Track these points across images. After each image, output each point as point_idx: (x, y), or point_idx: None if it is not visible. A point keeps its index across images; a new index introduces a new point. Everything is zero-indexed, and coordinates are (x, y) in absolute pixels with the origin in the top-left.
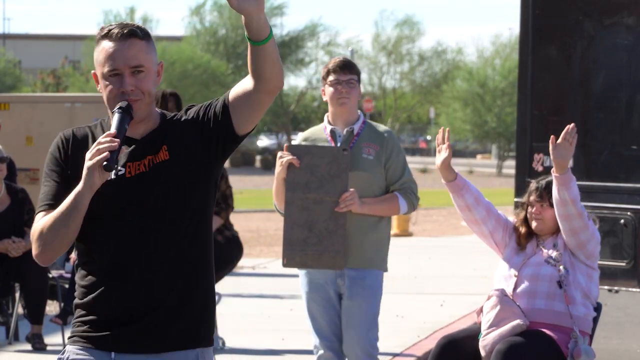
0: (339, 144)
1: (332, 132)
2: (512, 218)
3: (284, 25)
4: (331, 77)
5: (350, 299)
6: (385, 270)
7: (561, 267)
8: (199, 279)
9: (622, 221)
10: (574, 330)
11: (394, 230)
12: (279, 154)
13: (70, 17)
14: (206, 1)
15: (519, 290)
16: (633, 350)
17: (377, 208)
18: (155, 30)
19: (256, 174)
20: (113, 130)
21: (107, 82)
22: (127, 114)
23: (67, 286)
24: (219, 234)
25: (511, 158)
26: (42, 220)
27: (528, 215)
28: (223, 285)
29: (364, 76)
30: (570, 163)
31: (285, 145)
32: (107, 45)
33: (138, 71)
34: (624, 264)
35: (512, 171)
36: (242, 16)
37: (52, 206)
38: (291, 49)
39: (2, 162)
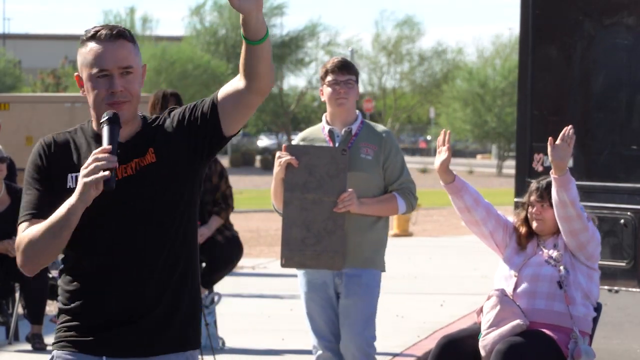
0: (337, 144)
1: (330, 132)
2: (512, 218)
3: (284, 25)
4: (329, 78)
5: (346, 297)
6: (383, 270)
7: (561, 268)
8: (187, 281)
9: (622, 221)
10: (574, 330)
11: (394, 230)
12: (278, 154)
13: (70, 17)
14: (206, 1)
15: (519, 290)
16: (633, 350)
17: (376, 208)
18: (155, 30)
19: (256, 174)
20: (107, 144)
21: (95, 84)
22: (116, 125)
23: None
24: (219, 234)
25: (511, 158)
26: (28, 231)
27: (528, 216)
28: (223, 285)
29: (364, 76)
30: (570, 163)
31: (283, 145)
32: (95, 46)
33: (127, 72)
34: (624, 264)
35: (512, 171)
36: (241, 15)
37: (35, 215)
38: (291, 49)
39: (2, 162)
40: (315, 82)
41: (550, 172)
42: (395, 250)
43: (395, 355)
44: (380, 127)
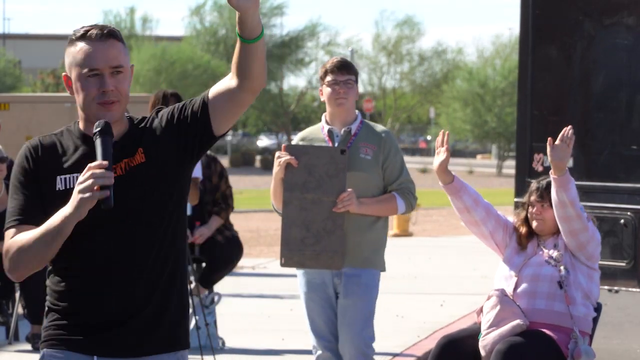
0: (336, 144)
1: (330, 132)
2: (512, 218)
3: (284, 25)
4: (329, 78)
5: (345, 297)
6: (383, 270)
7: (562, 268)
8: (176, 281)
9: (622, 221)
10: (574, 330)
11: (394, 230)
12: (277, 154)
13: (70, 17)
14: (206, 1)
15: (519, 290)
16: (633, 350)
17: (375, 208)
18: (155, 30)
19: (256, 174)
20: (102, 158)
21: (85, 83)
22: (109, 136)
23: None
24: (219, 234)
25: (511, 158)
26: (18, 238)
27: (529, 215)
28: (223, 285)
29: (364, 76)
30: (570, 163)
31: (283, 145)
32: (85, 46)
33: (117, 72)
34: (624, 264)
35: (512, 171)
36: (237, 13)
37: (22, 221)
38: (291, 49)
39: (2, 162)
40: (315, 82)
41: (550, 172)
42: (395, 250)
43: (395, 355)
44: (379, 127)
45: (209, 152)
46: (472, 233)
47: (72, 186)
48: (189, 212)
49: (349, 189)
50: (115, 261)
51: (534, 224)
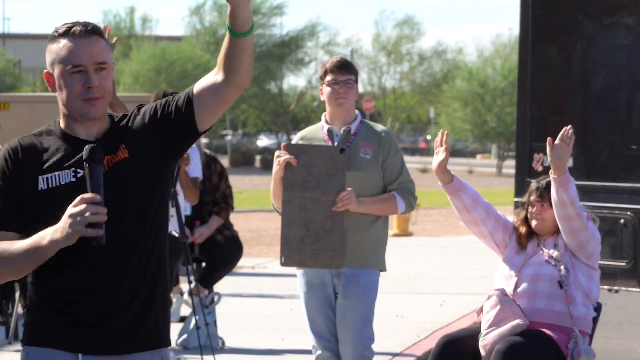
0: (336, 144)
1: (330, 131)
2: (512, 218)
3: (284, 25)
4: (329, 78)
5: (344, 298)
6: (383, 269)
7: (562, 268)
8: (160, 278)
9: (622, 221)
10: (574, 330)
11: (394, 230)
12: (277, 153)
13: (70, 17)
14: (206, 1)
15: (519, 290)
16: (633, 350)
17: (375, 208)
18: (155, 30)
19: (256, 174)
20: (92, 190)
21: (70, 80)
22: (99, 165)
23: None
24: (219, 234)
25: (511, 158)
26: None
27: (529, 215)
28: (223, 285)
29: (364, 76)
30: (570, 163)
31: (282, 144)
32: (69, 42)
33: (102, 68)
34: (624, 264)
35: (512, 171)
36: (229, 7)
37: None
38: (291, 49)
39: None
40: (315, 82)
41: (550, 172)
42: (395, 250)
43: (395, 355)
44: (379, 127)
45: (209, 152)
46: (472, 233)
47: (54, 185)
48: (189, 212)
49: (349, 189)
50: (100, 258)
51: (534, 223)
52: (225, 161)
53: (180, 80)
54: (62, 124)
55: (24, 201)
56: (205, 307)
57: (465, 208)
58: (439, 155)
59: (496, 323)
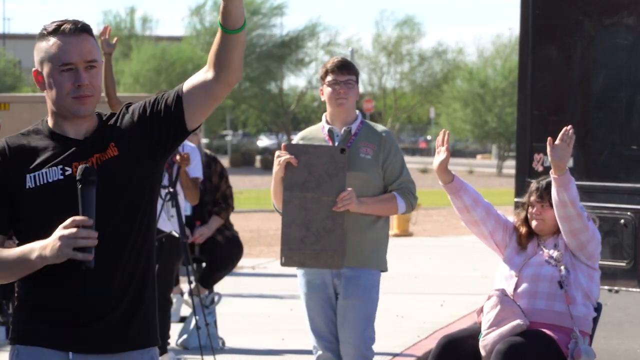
0: (336, 144)
1: (330, 131)
2: (512, 218)
3: (284, 25)
4: (329, 78)
5: (345, 298)
6: (384, 270)
7: (562, 268)
8: (149, 276)
9: (622, 221)
10: (574, 330)
11: (394, 230)
12: (277, 153)
13: (70, 17)
14: (206, 1)
15: (519, 290)
16: (633, 350)
17: (375, 208)
18: (155, 30)
19: (256, 174)
20: (84, 213)
21: (60, 78)
22: (92, 185)
23: None
24: (219, 234)
25: (511, 158)
26: None
27: (529, 216)
28: (223, 285)
29: (364, 76)
30: (570, 163)
31: (283, 144)
32: (59, 40)
33: (91, 66)
34: (624, 264)
35: (512, 171)
36: (222, 2)
37: None
38: (291, 49)
39: None
40: (315, 82)
41: (550, 172)
42: (395, 250)
43: (395, 355)
44: (380, 127)
45: (209, 152)
46: (472, 233)
47: (42, 182)
48: (189, 212)
49: (349, 188)
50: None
51: (534, 224)
52: (225, 161)
53: (180, 80)
54: (50, 123)
55: (13, 200)
56: (205, 307)
57: (466, 208)
58: (440, 154)
59: (496, 323)
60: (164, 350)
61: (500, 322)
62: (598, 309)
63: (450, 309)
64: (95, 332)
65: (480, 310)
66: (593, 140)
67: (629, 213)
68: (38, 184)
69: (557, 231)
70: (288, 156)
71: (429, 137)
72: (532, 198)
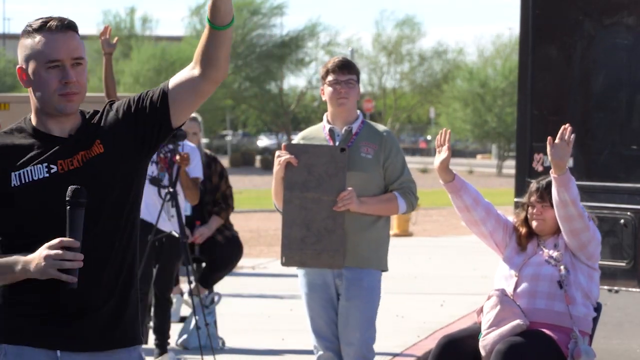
0: (337, 143)
1: (331, 131)
2: (512, 218)
3: (284, 25)
4: (330, 77)
5: (347, 300)
6: (385, 269)
7: (562, 267)
8: (133, 275)
9: (622, 221)
10: (574, 330)
11: (394, 230)
12: (277, 152)
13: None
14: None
15: (519, 290)
16: (633, 350)
17: (376, 207)
18: (155, 30)
19: (256, 174)
20: (71, 235)
21: (46, 75)
22: (81, 207)
23: None
24: (219, 234)
25: (511, 158)
26: None
27: (529, 216)
28: (223, 285)
29: (364, 76)
30: (570, 163)
31: (283, 144)
32: (45, 37)
33: (78, 63)
34: (624, 264)
35: (512, 171)
36: None
37: None
38: (291, 49)
39: None
40: (315, 82)
41: (550, 172)
42: (395, 250)
43: (395, 355)
44: (381, 127)
45: (209, 152)
46: (472, 233)
47: (27, 180)
48: (189, 212)
49: (349, 188)
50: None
51: (534, 224)
52: (225, 161)
53: None
54: (34, 121)
55: None
56: (205, 307)
57: (466, 207)
58: (441, 153)
59: (496, 323)
60: (164, 350)
61: (500, 322)
62: (598, 309)
63: (450, 309)
64: (83, 329)
65: (480, 310)
66: (593, 140)
67: (629, 213)
68: (23, 182)
69: (557, 231)
70: (288, 156)
71: (429, 137)
72: (533, 198)
